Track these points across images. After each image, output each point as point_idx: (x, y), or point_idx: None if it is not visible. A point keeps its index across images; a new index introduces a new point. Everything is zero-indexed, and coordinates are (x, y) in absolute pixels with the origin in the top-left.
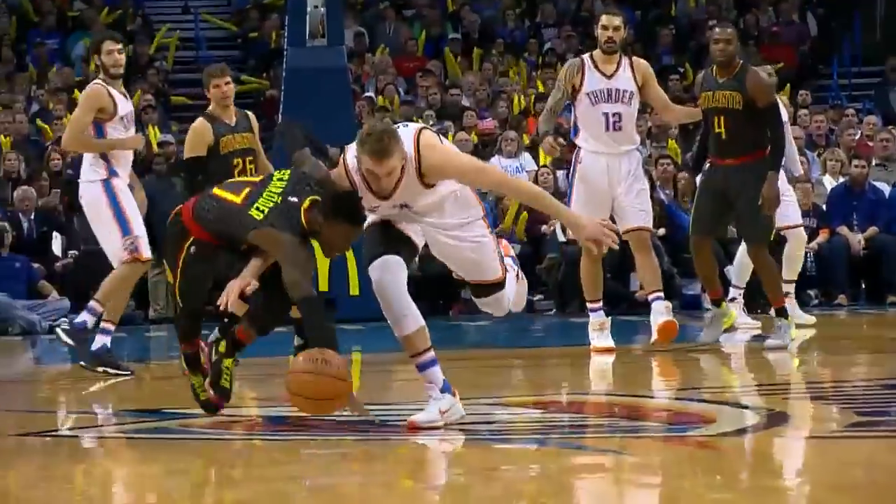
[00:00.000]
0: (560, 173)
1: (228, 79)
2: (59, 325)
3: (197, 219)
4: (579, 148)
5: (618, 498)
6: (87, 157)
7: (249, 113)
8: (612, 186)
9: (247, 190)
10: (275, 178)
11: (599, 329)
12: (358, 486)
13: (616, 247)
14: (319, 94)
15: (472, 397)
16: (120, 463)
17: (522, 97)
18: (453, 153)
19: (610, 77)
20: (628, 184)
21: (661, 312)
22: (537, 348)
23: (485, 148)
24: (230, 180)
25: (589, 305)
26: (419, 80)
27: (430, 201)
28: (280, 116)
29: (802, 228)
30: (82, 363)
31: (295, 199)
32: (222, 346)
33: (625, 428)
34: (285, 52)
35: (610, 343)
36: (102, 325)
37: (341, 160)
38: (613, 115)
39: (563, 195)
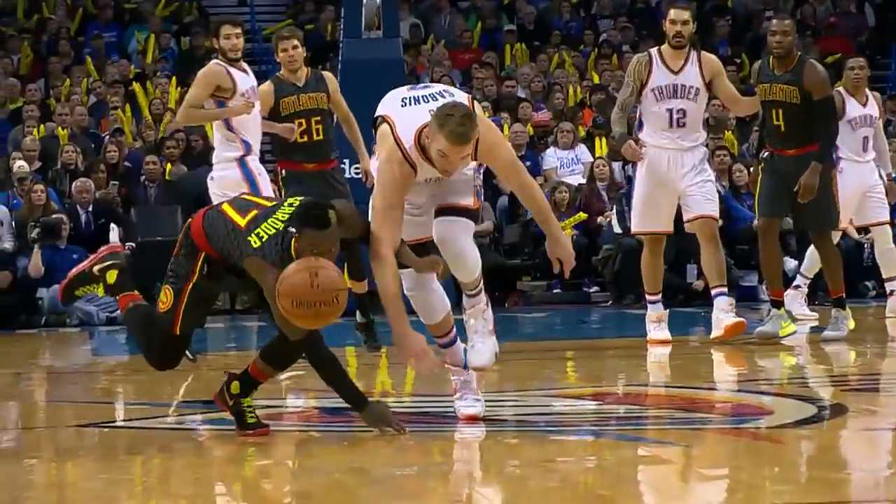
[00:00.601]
0: (616, 165)
1: (296, 42)
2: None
3: (205, 234)
4: (643, 143)
5: (676, 489)
6: (219, 137)
7: (327, 75)
8: (675, 181)
9: (254, 213)
10: (285, 205)
11: (657, 321)
12: (415, 476)
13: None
14: (375, 86)
15: (529, 389)
16: (177, 454)
17: (578, 88)
18: (502, 136)
19: (677, 73)
20: (693, 175)
21: (724, 310)
22: (593, 340)
23: (540, 140)
24: (243, 196)
25: (648, 297)
26: (475, 71)
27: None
28: None
29: (888, 225)
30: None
31: (293, 230)
32: (235, 387)
33: (682, 419)
34: (341, 44)
35: (667, 335)
36: None
37: (390, 131)
38: (678, 111)
39: (618, 187)
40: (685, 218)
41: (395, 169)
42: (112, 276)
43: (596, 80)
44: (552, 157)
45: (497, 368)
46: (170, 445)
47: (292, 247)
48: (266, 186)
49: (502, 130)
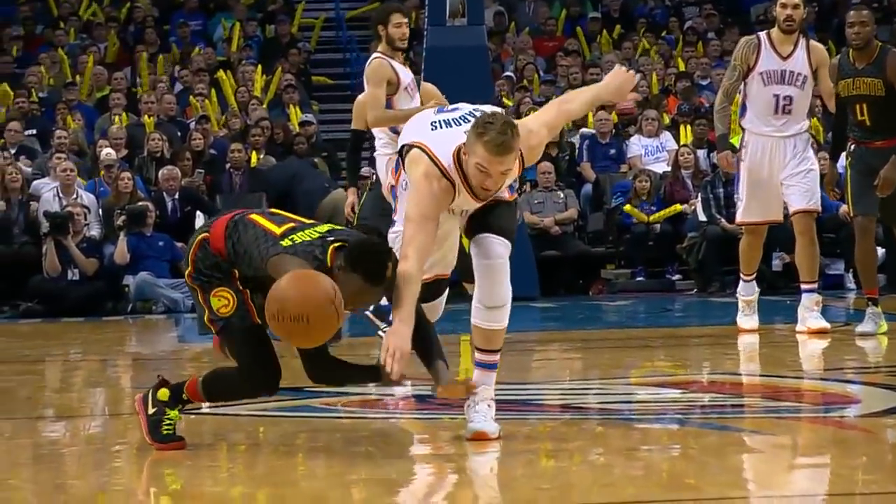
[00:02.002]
0: (700, 153)
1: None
2: None
3: (225, 237)
4: (745, 131)
5: (762, 478)
6: (378, 134)
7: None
8: (777, 169)
9: (288, 225)
10: (324, 223)
11: (748, 308)
12: (498, 463)
13: (636, 94)
14: (459, 74)
15: (613, 377)
16: (262, 441)
17: (664, 76)
18: (533, 122)
19: (786, 58)
20: (794, 165)
21: (810, 308)
22: (677, 328)
23: (624, 127)
24: (280, 213)
25: (743, 277)
26: (559, 59)
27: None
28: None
29: None
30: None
31: (331, 239)
32: (163, 394)
33: (767, 408)
34: (426, 32)
35: (754, 324)
36: None
37: (423, 153)
38: (784, 97)
39: (703, 175)
40: (790, 211)
41: (434, 183)
42: (164, 394)
43: (682, 67)
44: (637, 145)
45: (581, 356)
46: (255, 432)
47: (328, 256)
48: None
49: (586, 118)
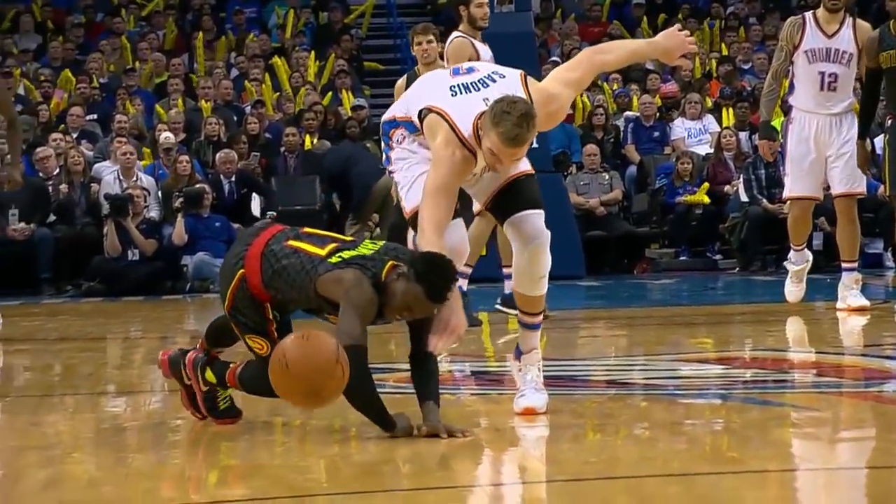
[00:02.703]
0: (742, 135)
1: (431, 37)
2: None
3: (264, 285)
4: (792, 107)
5: (803, 451)
6: None
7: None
8: (823, 147)
9: (332, 245)
10: (366, 241)
11: (795, 275)
12: (546, 438)
13: (693, 48)
14: (507, 59)
15: (657, 353)
16: (315, 416)
17: (708, 59)
18: (556, 85)
19: (831, 36)
20: (839, 145)
21: (850, 287)
22: (720, 306)
23: (668, 111)
24: (317, 233)
25: (793, 247)
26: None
27: None
28: None
29: None
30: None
31: (387, 258)
32: (210, 376)
33: (808, 383)
34: None
35: (798, 296)
36: (505, 270)
37: (443, 119)
38: (829, 74)
39: (744, 157)
40: (833, 193)
41: (455, 152)
42: (211, 377)
43: (724, 51)
44: (680, 128)
45: (626, 334)
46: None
47: (384, 272)
48: None
49: (630, 102)
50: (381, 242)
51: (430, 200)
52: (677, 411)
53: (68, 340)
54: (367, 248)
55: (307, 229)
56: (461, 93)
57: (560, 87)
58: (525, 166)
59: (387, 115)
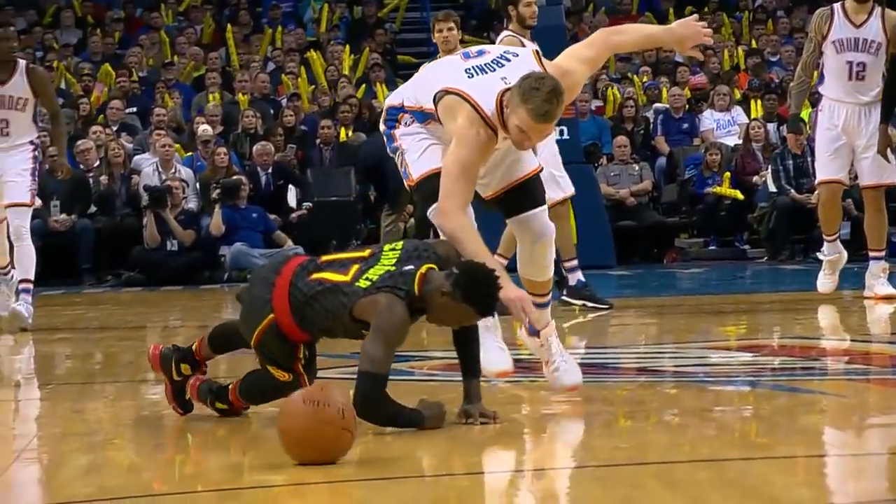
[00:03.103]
0: (770, 126)
1: (451, 24)
2: None
3: (292, 312)
4: (822, 96)
5: (831, 438)
6: None
7: None
8: (852, 136)
9: (355, 267)
10: (386, 250)
11: (830, 269)
12: (578, 424)
13: (708, 40)
14: (543, 52)
15: (687, 341)
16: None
17: (737, 50)
18: (570, 62)
19: (859, 26)
20: (868, 136)
21: (878, 275)
22: (748, 294)
23: (697, 103)
24: (336, 259)
25: (825, 238)
26: None
27: None
28: None
29: None
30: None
31: (410, 267)
32: (185, 368)
33: (836, 371)
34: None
35: (830, 287)
36: (566, 264)
37: (463, 99)
38: (858, 64)
39: (773, 148)
40: (860, 184)
41: (479, 132)
42: (221, 405)
43: (754, 45)
44: (709, 119)
45: (656, 322)
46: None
47: (416, 284)
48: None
49: (660, 94)
50: (400, 246)
51: (454, 178)
52: (707, 398)
53: (109, 329)
54: (389, 258)
55: (325, 257)
56: (477, 74)
57: (575, 63)
58: (534, 163)
59: (393, 101)
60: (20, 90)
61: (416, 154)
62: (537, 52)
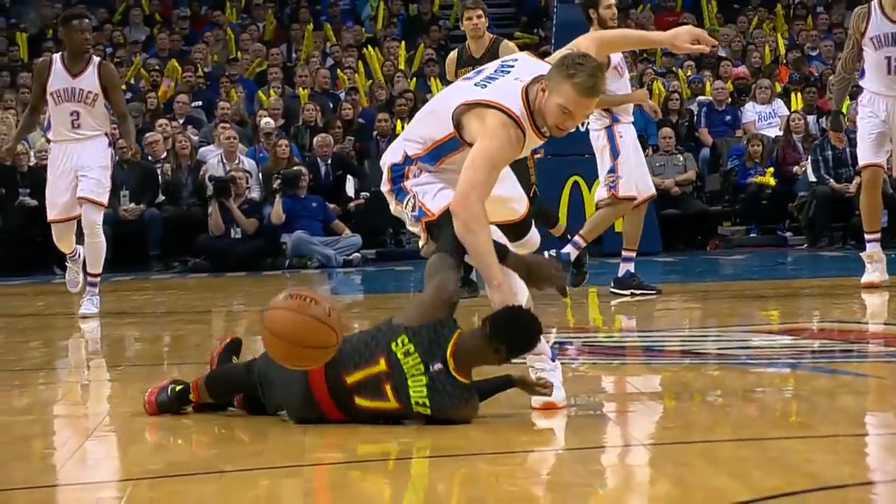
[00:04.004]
0: (810, 118)
1: (480, 12)
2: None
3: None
4: (863, 89)
5: (870, 417)
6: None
7: (505, 44)
8: (893, 128)
9: (388, 388)
10: (401, 356)
11: (870, 261)
12: (625, 406)
13: (707, 48)
14: None
15: (729, 325)
16: None
17: (779, 42)
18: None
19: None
20: None
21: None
22: (789, 280)
23: (739, 95)
24: (359, 381)
25: (866, 237)
26: None
27: None
28: None
29: None
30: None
31: (440, 366)
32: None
33: (875, 353)
34: (555, 9)
35: (873, 278)
36: (624, 253)
37: (488, 105)
38: None
39: (812, 139)
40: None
41: (511, 132)
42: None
43: (797, 40)
44: (751, 112)
45: (700, 306)
46: None
47: (449, 354)
48: (624, 149)
49: (704, 87)
50: (413, 347)
51: (482, 169)
52: (748, 380)
53: (176, 313)
54: (415, 367)
55: (348, 378)
56: (490, 83)
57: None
58: (522, 208)
59: (393, 159)
60: (91, 85)
61: (432, 193)
62: (531, 52)
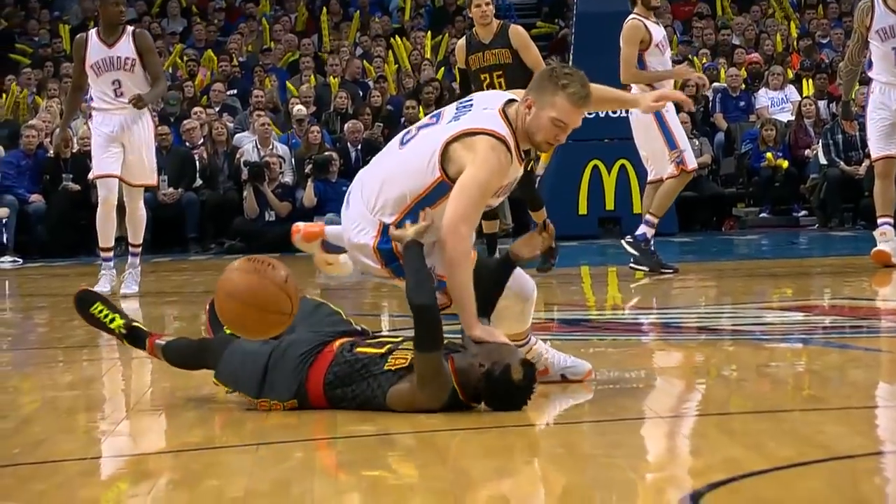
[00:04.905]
0: (821, 104)
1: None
2: (624, 239)
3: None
4: (872, 80)
5: (882, 391)
6: (634, 87)
7: (514, 30)
8: None
9: (388, 346)
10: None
11: (882, 237)
12: (641, 380)
13: (691, 106)
14: (606, 37)
15: (744, 302)
16: None
17: (791, 29)
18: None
19: None
20: None
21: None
22: (801, 259)
23: (753, 81)
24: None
25: (879, 220)
26: (694, 22)
27: None
28: (570, 56)
29: None
30: (635, 266)
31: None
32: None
33: (886, 329)
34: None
35: (886, 247)
36: (647, 217)
37: (474, 132)
38: None
39: (823, 123)
40: None
41: (501, 157)
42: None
43: (808, 27)
44: (764, 97)
45: (715, 285)
46: None
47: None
48: (674, 123)
49: (719, 74)
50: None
51: (473, 201)
52: (762, 355)
53: (213, 293)
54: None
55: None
56: (462, 115)
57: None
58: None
59: (367, 241)
60: (127, 51)
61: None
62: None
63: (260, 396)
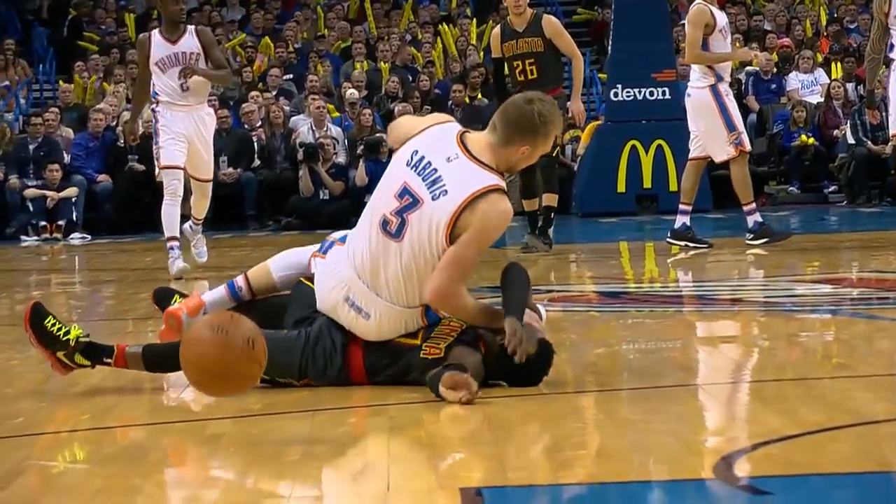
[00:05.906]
0: (849, 86)
1: None
2: (667, 238)
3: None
4: (892, 61)
5: None
6: (695, 68)
7: (547, 19)
8: None
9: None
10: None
11: None
12: (679, 348)
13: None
14: (642, 22)
15: (775, 275)
16: None
17: (820, 14)
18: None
19: None
20: None
21: None
22: (830, 234)
23: (784, 64)
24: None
25: None
26: (728, 8)
27: None
28: (610, 42)
29: None
30: (672, 241)
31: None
32: (80, 359)
33: None
34: None
35: None
36: (681, 206)
37: (489, 191)
38: None
39: (851, 105)
40: None
41: (507, 203)
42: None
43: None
44: (794, 80)
45: (748, 259)
46: None
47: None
48: (732, 106)
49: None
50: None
51: (463, 269)
52: (793, 325)
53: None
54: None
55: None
56: (442, 188)
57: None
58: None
59: (413, 327)
60: (190, 46)
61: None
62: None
63: (303, 378)
